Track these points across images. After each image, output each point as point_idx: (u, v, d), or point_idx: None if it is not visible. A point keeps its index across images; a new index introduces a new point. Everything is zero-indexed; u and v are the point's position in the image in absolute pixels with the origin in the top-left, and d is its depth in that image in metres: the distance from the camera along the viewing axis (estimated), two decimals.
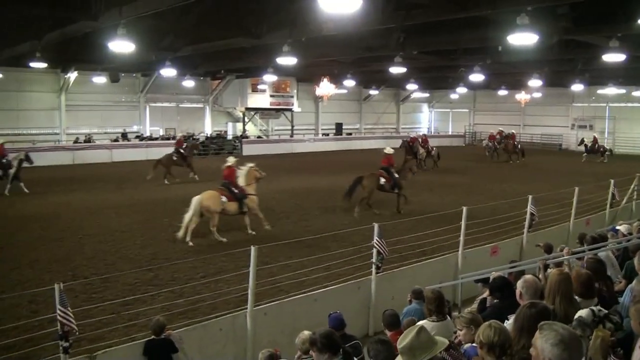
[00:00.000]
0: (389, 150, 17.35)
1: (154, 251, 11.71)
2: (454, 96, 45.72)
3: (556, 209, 12.75)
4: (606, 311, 4.03)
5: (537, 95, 39.66)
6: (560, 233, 11.81)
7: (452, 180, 23.56)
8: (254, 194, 13.33)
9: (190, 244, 12.05)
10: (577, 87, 33.74)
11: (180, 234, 12.20)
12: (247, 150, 33.34)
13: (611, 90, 35.22)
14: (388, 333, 5.25)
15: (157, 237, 12.94)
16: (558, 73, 30.59)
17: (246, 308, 6.80)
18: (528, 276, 4.73)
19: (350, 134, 45.02)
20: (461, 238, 9.52)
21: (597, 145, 33.90)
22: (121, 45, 14.67)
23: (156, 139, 34.09)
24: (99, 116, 33.28)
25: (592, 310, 3.93)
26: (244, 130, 37.86)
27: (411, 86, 38.54)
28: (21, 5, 15.21)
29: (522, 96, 39.47)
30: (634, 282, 5.04)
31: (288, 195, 17.89)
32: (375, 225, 8.14)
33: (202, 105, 38.78)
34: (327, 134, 43.50)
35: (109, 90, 32.64)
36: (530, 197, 10.96)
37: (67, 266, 10.51)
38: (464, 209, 9.53)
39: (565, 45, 19.72)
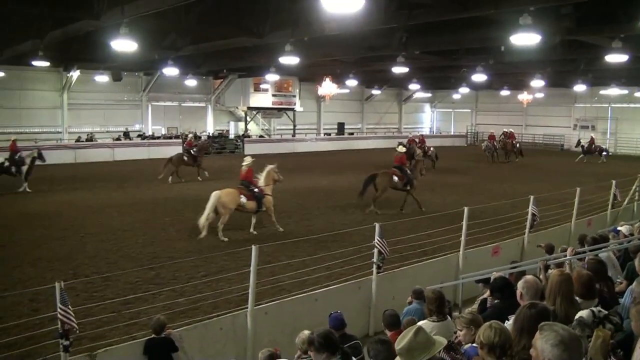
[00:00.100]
0: (401, 148, 17.32)
1: (156, 250, 11.73)
2: (456, 96, 45.67)
3: (558, 210, 12.73)
4: (606, 312, 4.03)
5: (540, 95, 39.58)
6: (562, 234, 11.81)
7: (453, 180, 23.54)
8: (270, 194, 13.56)
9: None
10: (580, 87, 33.74)
11: (203, 233, 12.43)
12: (249, 149, 33.23)
13: (614, 91, 35.12)
14: (388, 333, 5.24)
15: (159, 236, 12.97)
16: (560, 73, 30.53)
17: (247, 307, 6.81)
18: (529, 277, 4.73)
19: (352, 133, 45.03)
20: (462, 238, 9.51)
21: (593, 146, 33.82)
22: (123, 44, 14.74)
23: (158, 138, 34.18)
24: (101, 115, 33.39)
25: (593, 311, 3.93)
26: (246, 130, 37.90)
27: (413, 86, 38.49)
28: (23, 4, 15.25)
29: (524, 96, 39.36)
30: (634, 283, 5.01)
31: (290, 195, 17.87)
32: (377, 225, 8.13)
33: (204, 105, 38.84)
34: (329, 134, 43.50)
35: (111, 89, 32.73)
36: (532, 197, 10.95)
37: (68, 265, 10.53)
38: (466, 209, 9.52)
39: (568, 45, 19.69)
